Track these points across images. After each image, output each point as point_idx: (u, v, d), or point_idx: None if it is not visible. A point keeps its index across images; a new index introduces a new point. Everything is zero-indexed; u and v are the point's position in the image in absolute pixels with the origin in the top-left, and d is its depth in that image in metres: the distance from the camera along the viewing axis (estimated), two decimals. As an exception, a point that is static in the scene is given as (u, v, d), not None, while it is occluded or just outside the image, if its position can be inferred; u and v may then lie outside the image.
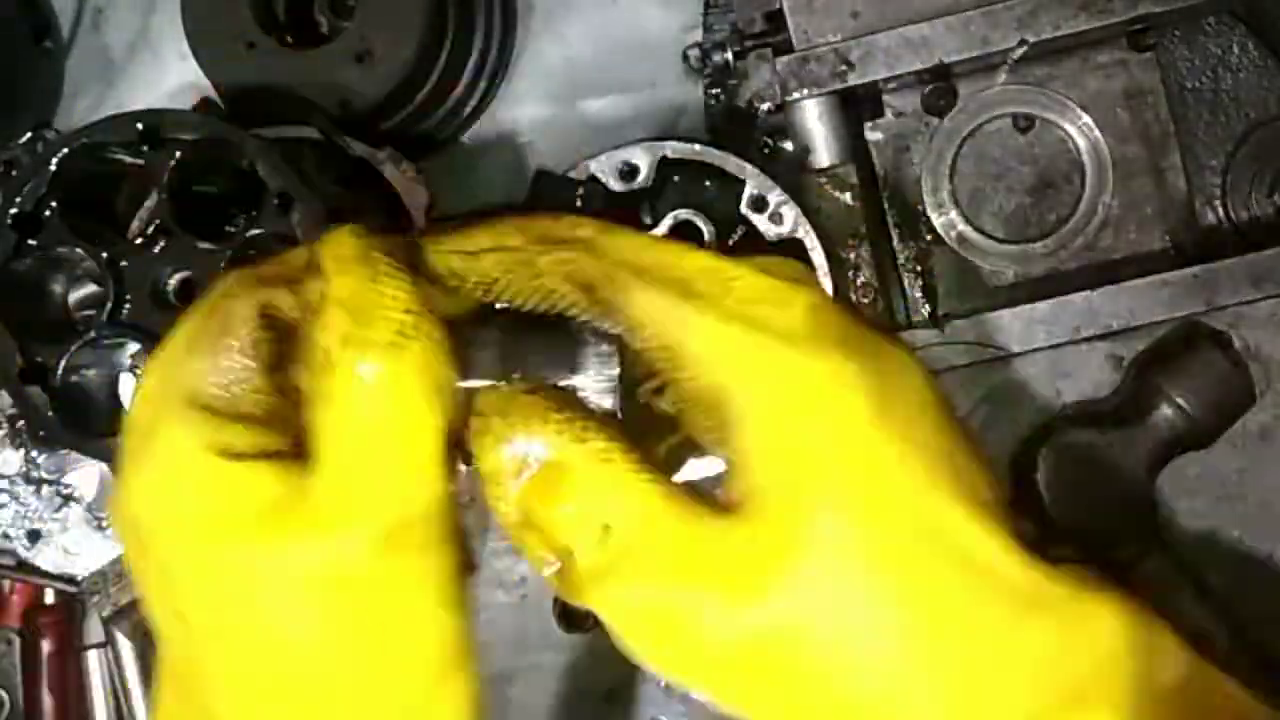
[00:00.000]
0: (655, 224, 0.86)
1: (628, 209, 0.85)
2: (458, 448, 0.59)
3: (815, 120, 0.92)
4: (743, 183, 0.87)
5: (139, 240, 0.87)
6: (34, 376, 0.85)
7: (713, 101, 1.03)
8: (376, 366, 0.52)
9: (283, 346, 0.57)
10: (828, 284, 0.86)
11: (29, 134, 1.00)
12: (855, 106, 0.97)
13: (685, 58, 1.07)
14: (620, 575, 0.55)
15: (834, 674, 0.53)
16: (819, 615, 0.52)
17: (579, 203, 0.82)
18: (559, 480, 0.57)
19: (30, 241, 0.86)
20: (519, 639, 1.13)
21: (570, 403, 0.58)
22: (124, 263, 0.87)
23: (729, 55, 0.95)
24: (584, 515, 0.56)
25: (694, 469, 0.77)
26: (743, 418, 0.55)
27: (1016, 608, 0.52)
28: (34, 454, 0.95)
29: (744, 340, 0.55)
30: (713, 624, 0.53)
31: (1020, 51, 0.90)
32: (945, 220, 1.00)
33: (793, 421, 0.54)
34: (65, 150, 0.87)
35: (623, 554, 0.55)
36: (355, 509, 0.53)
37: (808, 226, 0.87)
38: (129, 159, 0.88)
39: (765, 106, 0.91)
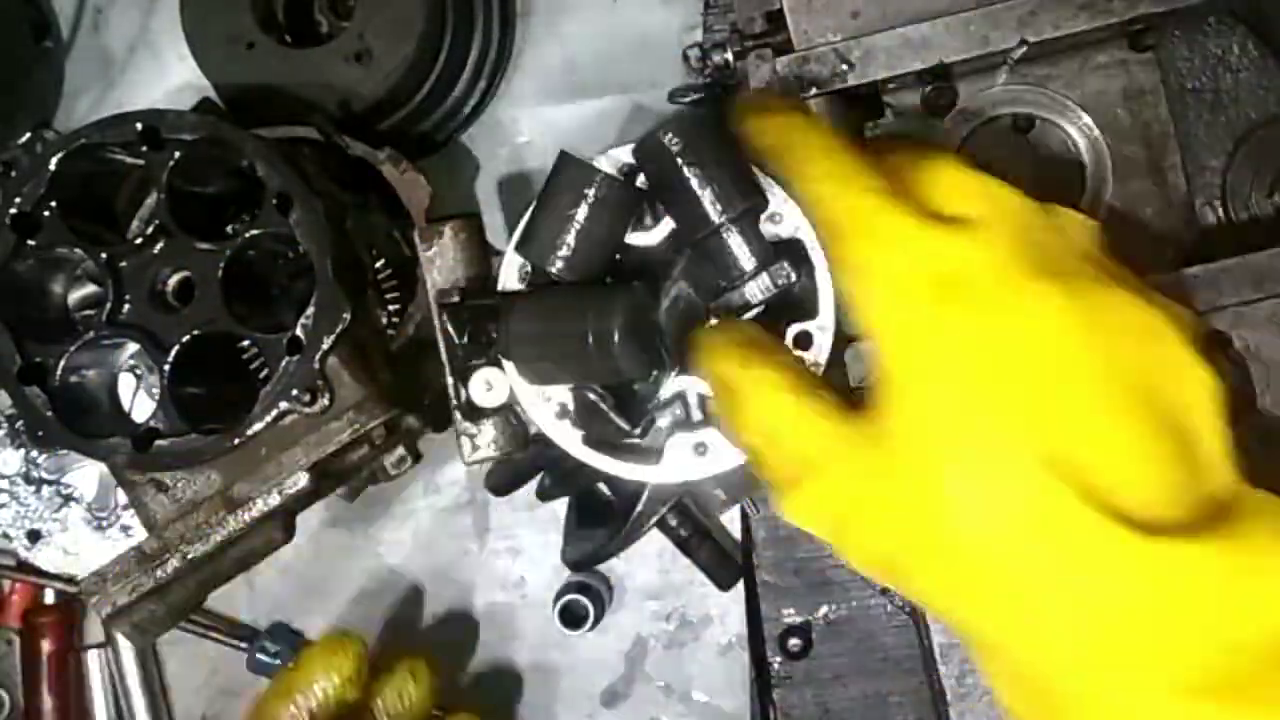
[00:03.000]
0: (656, 224, 0.86)
1: (629, 208, 0.85)
2: None
3: (815, 120, 0.91)
4: (742, 183, 0.87)
5: (138, 240, 0.87)
6: (33, 376, 0.85)
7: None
8: None
9: None
10: (827, 284, 0.86)
11: (29, 134, 1.00)
12: (855, 106, 0.97)
13: (685, 58, 1.07)
14: (801, 484, 0.68)
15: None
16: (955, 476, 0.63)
17: (594, 193, 0.82)
18: (740, 406, 0.71)
19: (30, 241, 0.86)
20: (519, 639, 1.13)
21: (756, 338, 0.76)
22: (123, 263, 0.87)
23: (729, 55, 0.95)
24: (766, 434, 0.70)
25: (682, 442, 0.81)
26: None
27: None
28: (34, 454, 0.95)
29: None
30: (876, 508, 0.65)
31: (1020, 51, 0.90)
32: (945, 220, 1.00)
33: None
34: (65, 150, 0.87)
35: (799, 464, 0.68)
36: None
37: (808, 226, 0.87)
38: (129, 159, 0.88)
39: (765, 106, 0.91)
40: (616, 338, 0.74)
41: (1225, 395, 0.68)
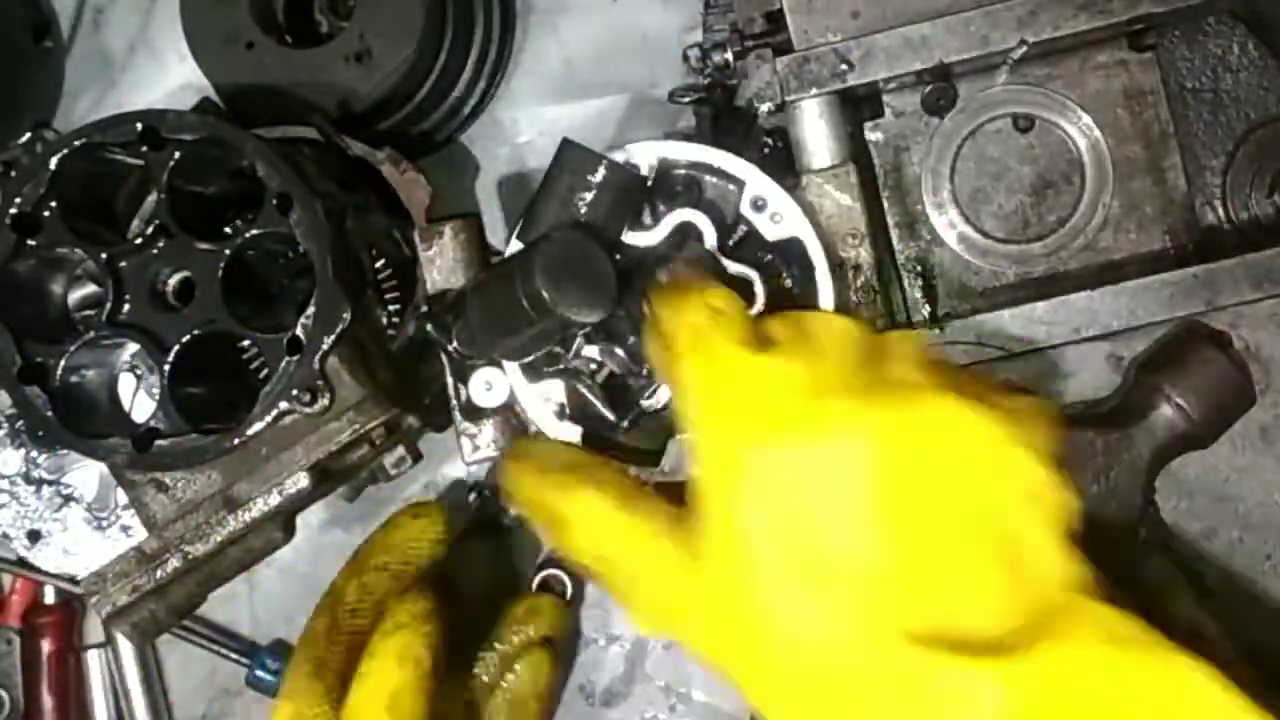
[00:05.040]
0: (655, 224, 0.86)
1: (631, 194, 0.85)
2: None
3: (815, 120, 0.91)
4: (743, 183, 0.87)
5: (138, 240, 0.87)
6: (33, 376, 0.85)
7: (704, 108, 1.03)
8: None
9: None
10: (827, 284, 0.86)
11: (29, 134, 1.00)
12: (855, 106, 0.97)
13: (685, 58, 1.07)
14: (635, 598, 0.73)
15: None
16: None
17: (595, 177, 0.82)
18: (568, 535, 0.75)
19: (30, 241, 0.86)
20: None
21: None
22: (123, 263, 0.87)
23: (729, 55, 0.95)
24: (597, 558, 0.74)
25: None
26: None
27: None
28: (34, 454, 0.95)
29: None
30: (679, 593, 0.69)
31: (1020, 51, 0.90)
32: (945, 220, 1.00)
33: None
34: (65, 150, 0.87)
35: (630, 581, 0.73)
36: None
37: (808, 226, 0.87)
38: (129, 159, 0.88)
39: (765, 106, 0.91)
40: (545, 294, 0.74)
41: (1067, 498, 0.66)
